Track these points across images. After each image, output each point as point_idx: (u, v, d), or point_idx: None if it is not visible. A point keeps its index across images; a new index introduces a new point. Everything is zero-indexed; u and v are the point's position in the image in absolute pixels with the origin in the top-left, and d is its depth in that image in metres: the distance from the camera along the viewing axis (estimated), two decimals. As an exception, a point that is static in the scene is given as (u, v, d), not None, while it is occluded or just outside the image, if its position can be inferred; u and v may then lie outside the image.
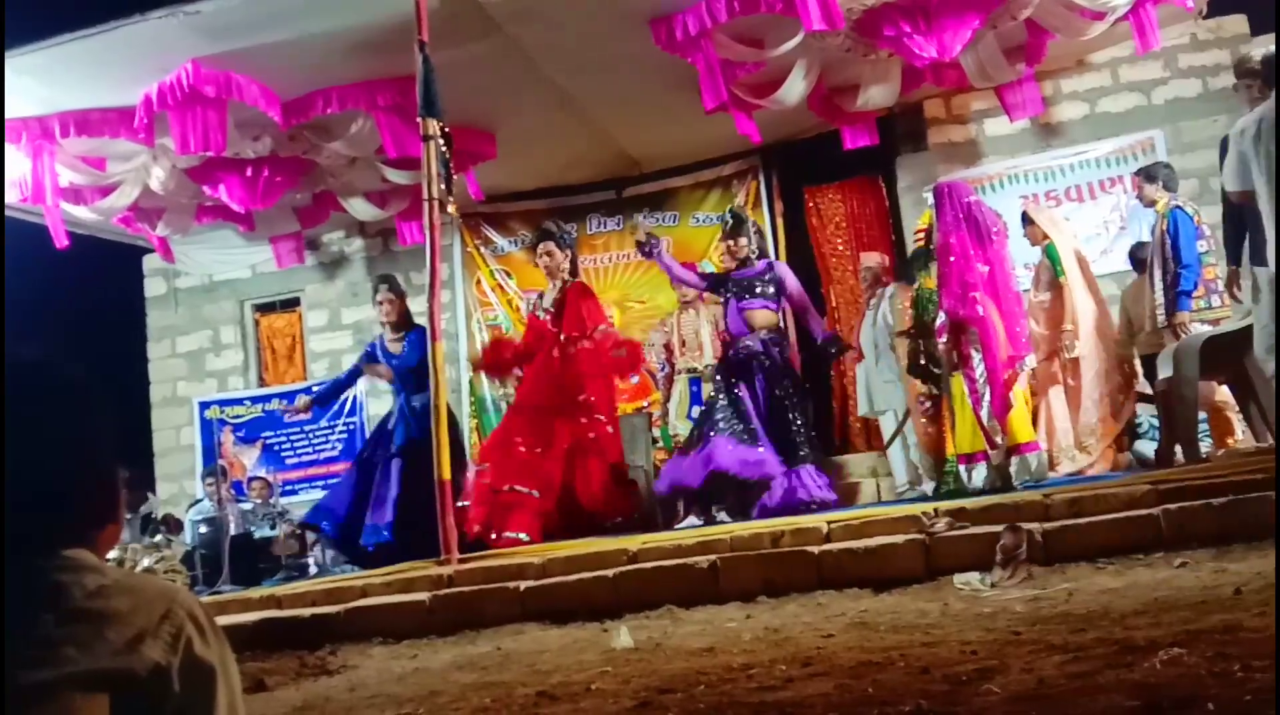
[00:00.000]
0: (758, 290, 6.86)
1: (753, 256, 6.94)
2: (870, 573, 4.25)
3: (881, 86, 8.09)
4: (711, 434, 6.33)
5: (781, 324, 7.18)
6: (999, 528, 4.20)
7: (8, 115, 7.33)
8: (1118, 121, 8.76)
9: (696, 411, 7.74)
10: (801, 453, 6.35)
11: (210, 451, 10.16)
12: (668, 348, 8.11)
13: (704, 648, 3.48)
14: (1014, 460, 5.82)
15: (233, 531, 8.26)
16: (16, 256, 8.52)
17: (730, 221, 7.06)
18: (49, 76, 7.00)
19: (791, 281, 6.95)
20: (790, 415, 6.47)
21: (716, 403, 6.54)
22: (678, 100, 8.09)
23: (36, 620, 1.06)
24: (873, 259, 8.07)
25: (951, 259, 5.87)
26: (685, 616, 4.22)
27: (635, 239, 7.38)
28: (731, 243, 6.94)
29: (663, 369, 8.38)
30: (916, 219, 7.59)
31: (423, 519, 5.69)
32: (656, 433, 8.24)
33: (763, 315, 6.82)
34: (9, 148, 7.53)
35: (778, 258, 9.73)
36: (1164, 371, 5.88)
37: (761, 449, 6.26)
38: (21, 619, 1.07)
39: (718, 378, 6.75)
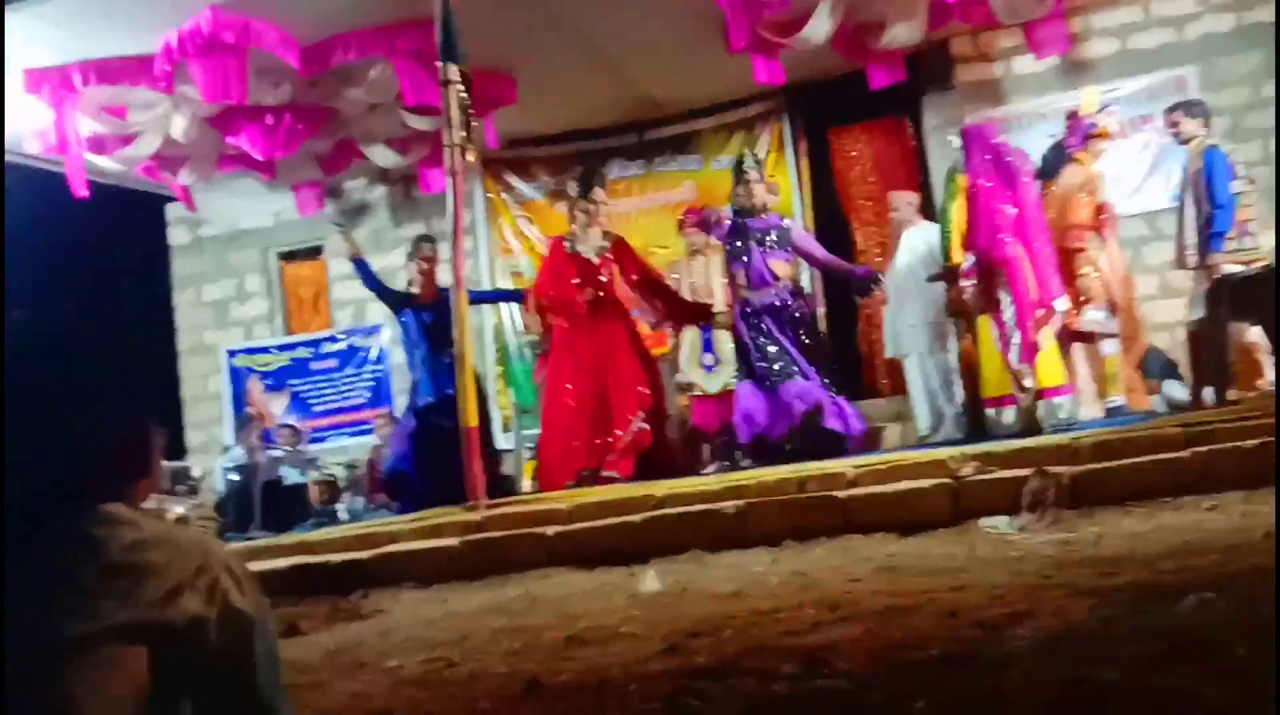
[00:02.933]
0: (775, 239, 6.90)
1: (768, 205, 7.01)
2: (897, 517, 4.25)
3: (907, 24, 7.93)
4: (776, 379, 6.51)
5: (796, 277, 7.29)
6: (1027, 472, 4.19)
7: (29, 65, 7.32)
8: (1149, 58, 8.56)
9: (709, 358, 7.73)
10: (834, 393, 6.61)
11: (239, 399, 10.25)
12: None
13: (731, 592, 3.51)
14: (1042, 404, 5.79)
15: (263, 479, 8.35)
16: (41, 207, 8.54)
17: (745, 167, 7.05)
18: (68, 25, 6.97)
19: (799, 235, 7.10)
20: (818, 365, 6.66)
21: (765, 348, 6.60)
22: (701, 41, 7.97)
23: (75, 574, 1.08)
24: (903, 198, 7.95)
25: (981, 201, 5.80)
26: (712, 561, 4.25)
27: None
28: (743, 189, 6.95)
29: None
30: (943, 160, 7.48)
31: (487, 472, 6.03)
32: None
33: (783, 266, 6.94)
34: (32, 99, 7.53)
35: (802, 202, 9.68)
36: (1195, 313, 5.81)
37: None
38: (60, 573, 1.08)
39: (756, 322, 6.75)
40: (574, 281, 6.90)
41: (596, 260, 6.94)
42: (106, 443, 1.16)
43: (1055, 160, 6.60)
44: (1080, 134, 6.45)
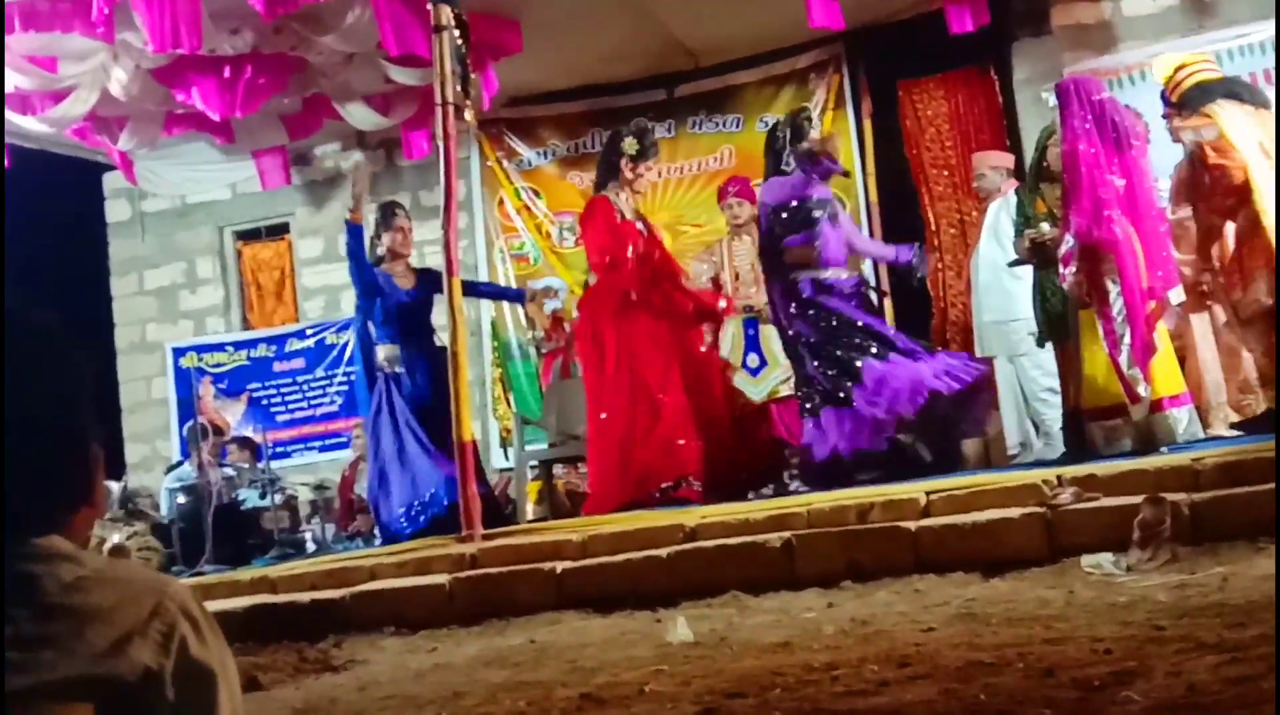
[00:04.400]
0: (834, 213, 6.92)
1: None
2: (979, 553, 4.25)
3: (995, -44, 7.92)
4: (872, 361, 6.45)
5: None
6: (1137, 499, 4.17)
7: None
8: (1290, -5, 8.51)
9: (754, 359, 7.72)
10: None
11: (187, 407, 10.33)
12: (715, 282, 8.01)
13: (778, 643, 3.51)
14: (1157, 416, 5.77)
15: (216, 501, 8.42)
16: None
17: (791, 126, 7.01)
18: (-12, -40, 7.05)
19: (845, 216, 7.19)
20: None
21: (857, 324, 6.60)
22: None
23: (5, 619, 1.09)
24: (989, 161, 7.86)
25: (1082, 171, 5.77)
26: (754, 605, 4.26)
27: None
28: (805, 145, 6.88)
29: None
30: (1035, 118, 7.44)
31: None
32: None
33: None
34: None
35: (864, 170, 9.68)
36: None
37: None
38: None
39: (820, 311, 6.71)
40: (630, 253, 6.91)
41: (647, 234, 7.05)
42: (39, 463, 1.17)
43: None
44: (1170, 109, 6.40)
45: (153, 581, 1.18)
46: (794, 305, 6.68)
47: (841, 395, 6.41)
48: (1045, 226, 6.16)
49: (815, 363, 6.56)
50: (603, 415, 6.79)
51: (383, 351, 7.14)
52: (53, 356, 1.23)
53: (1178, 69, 6.33)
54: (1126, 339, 5.73)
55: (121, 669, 1.10)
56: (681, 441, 6.62)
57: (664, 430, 6.64)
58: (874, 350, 6.47)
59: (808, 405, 6.59)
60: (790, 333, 6.76)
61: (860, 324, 6.60)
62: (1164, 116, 6.49)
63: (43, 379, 1.20)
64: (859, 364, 6.42)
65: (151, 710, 1.11)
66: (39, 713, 1.06)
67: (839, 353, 6.51)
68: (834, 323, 6.56)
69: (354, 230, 7.23)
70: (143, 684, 1.11)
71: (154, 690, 1.11)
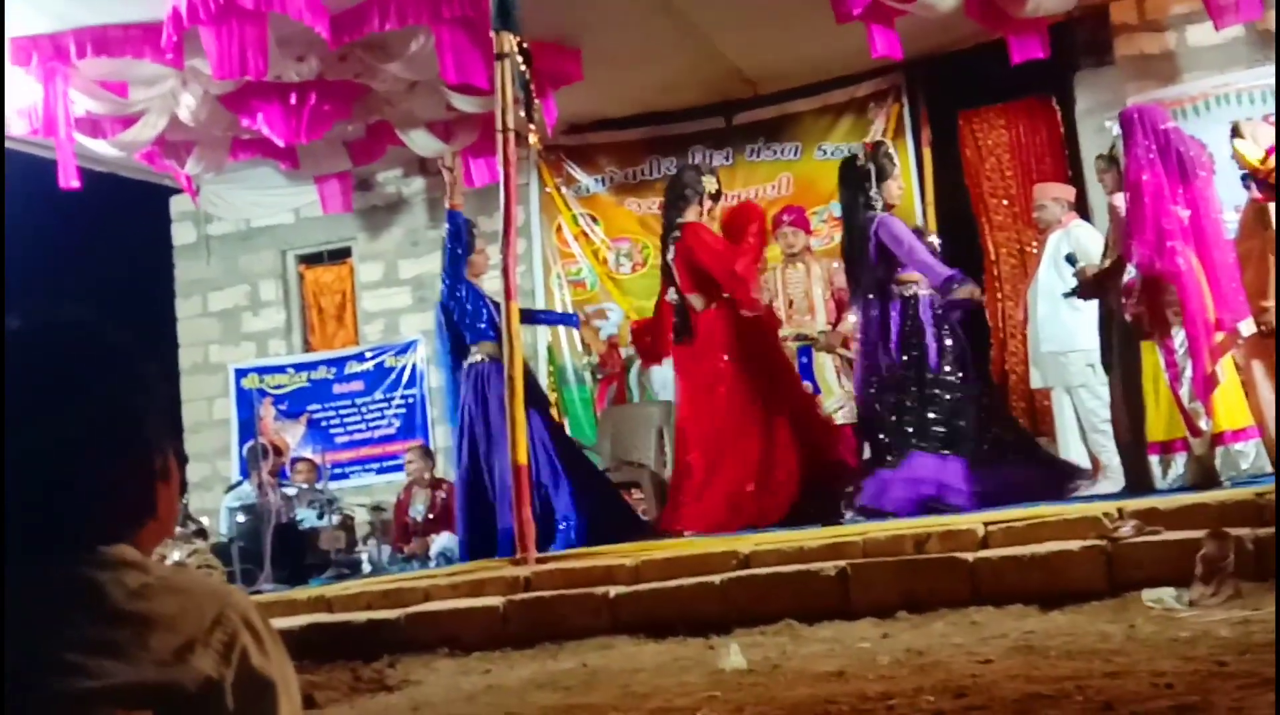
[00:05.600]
0: None
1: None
2: (1038, 586, 4.20)
3: (1057, -14, 7.88)
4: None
5: None
6: (1200, 534, 4.11)
7: (16, 34, 7.56)
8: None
9: (808, 387, 7.68)
10: None
11: (248, 427, 10.45)
12: (769, 308, 8.00)
13: (832, 672, 3.49)
14: (1219, 451, 5.68)
15: (274, 521, 8.50)
16: (23, 197, 8.79)
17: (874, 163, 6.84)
18: (64, -13, 7.21)
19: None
20: None
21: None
22: (803, 5, 7.98)
23: (70, 623, 1.11)
24: (1050, 192, 7.79)
25: (1145, 201, 5.71)
26: (808, 634, 4.23)
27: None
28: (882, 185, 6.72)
29: None
30: (1097, 149, 7.36)
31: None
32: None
33: None
34: (18, 72, 7.77)
35: (923, 199, 9.64)
36: None
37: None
38: (53, 622, 1.11)
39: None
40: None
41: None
42: (117, 474, 1.19)
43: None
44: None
45: (216, 591, 1.19)
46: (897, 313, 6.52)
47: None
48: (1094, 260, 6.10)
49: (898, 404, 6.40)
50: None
51: (485, 348, 7.05)
52: (117, 368, 1.24)
53: (1268, 155, 6.23)
54: (1188, 372, 5.66)
55: (183, 677, 1.11)
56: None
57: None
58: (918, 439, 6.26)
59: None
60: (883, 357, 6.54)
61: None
62: (1251, 198, 6.38)
63: (106, 390, 1.22)
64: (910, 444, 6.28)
65: (210, 719, 1.13)
66: (100, 718, 1.08)
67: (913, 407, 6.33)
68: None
69: (454, 217, 7.21)
70: (203, 693, 1.12)
71: (214, 699, 1.12)
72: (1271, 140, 6.69)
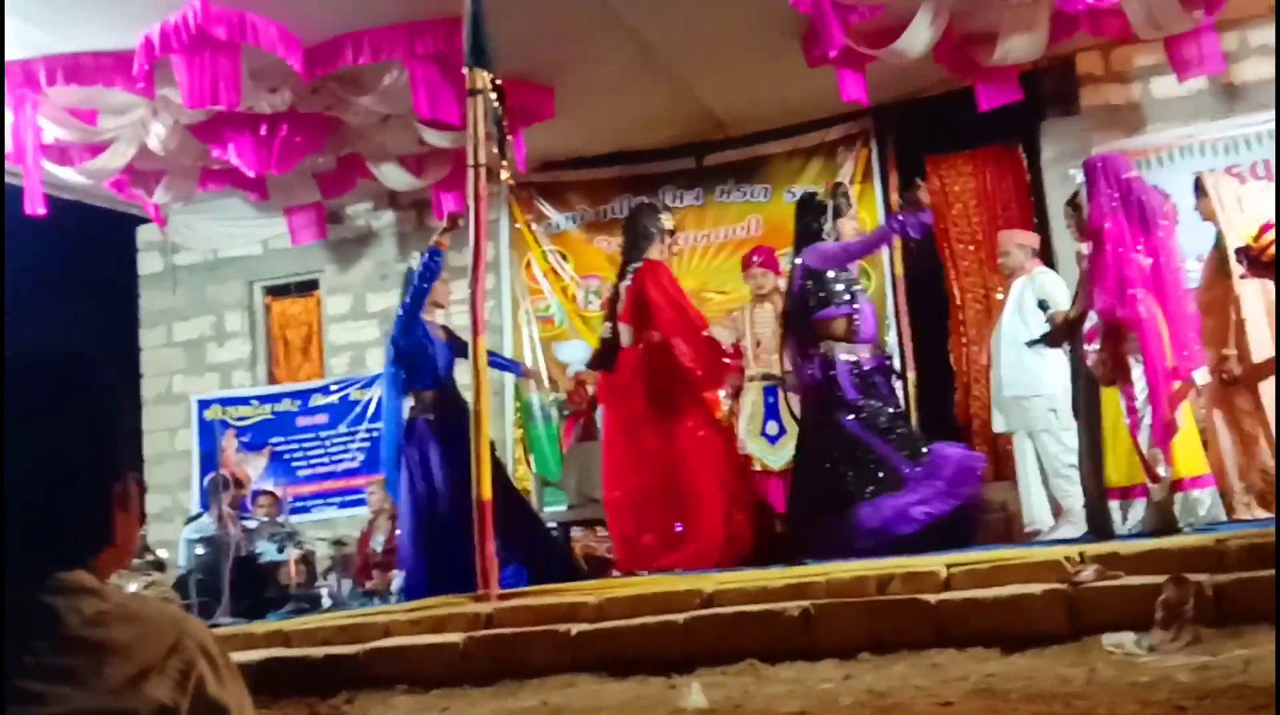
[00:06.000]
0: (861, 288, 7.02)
1: None
2: (999, 629, 4.19)
3: (1025, 35, 7.99)
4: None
5: None
6: (1161, 579, 4.13)
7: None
8: (1318, 82, 8.55)
9: (773, 427, 7.73)
10: None
11: (209, 459, 10.37)
12: (737, 348, 8.04)
13: (794, 712, 3.48)
14: (1178, 497, 5.72)
15: (234, 554, 8.43)
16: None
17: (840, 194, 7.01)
18: (36, 14, 7.18)
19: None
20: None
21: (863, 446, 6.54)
22: (774, 49, 8.07)
23: (27, 650, 1.10)
24: (1014, 240, 7.86)
25: (1107, 248, 5.78)
26: (771, 674, 4.21)
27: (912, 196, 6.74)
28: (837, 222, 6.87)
29: None
30: (1062, 197, 7.45)
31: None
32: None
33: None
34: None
35: (890, 241, 9.69)
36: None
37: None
38: (9, 648, 1.10)
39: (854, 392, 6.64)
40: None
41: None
42: (78, 499, 1.18)
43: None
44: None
45: (173, 619, 1.19)
46: (820, 375, 6.66)
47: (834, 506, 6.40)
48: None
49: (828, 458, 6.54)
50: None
51: (423, 399, 6.99)
52: (79, 394, 1.24)
53: (1261, 231, 6.32)
54: (1148, 418, 5.71)
55: (138, 705, 1.10)
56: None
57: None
58: (868, 488, 6.37)
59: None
60: (808, 402, 6.75)
61: (866, 448, 6.47)
62: (1245, 271, 6.47)
63: (68, 416, 1.21)
64: (854, 495, 6.37)
65: (167, 747, 1.12)
66: (54, 746, 1.07)
67: (844, 470, 6.45)
68: (852, 424, 6.52)
69: (435, 254, 7.07)
70: None
71: (170, 726, 1.12)
72: (1238, 196, 6.81)
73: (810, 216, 6.90)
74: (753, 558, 6.61)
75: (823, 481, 6.52)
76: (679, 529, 6.74)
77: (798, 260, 6.83)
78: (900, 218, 6.65)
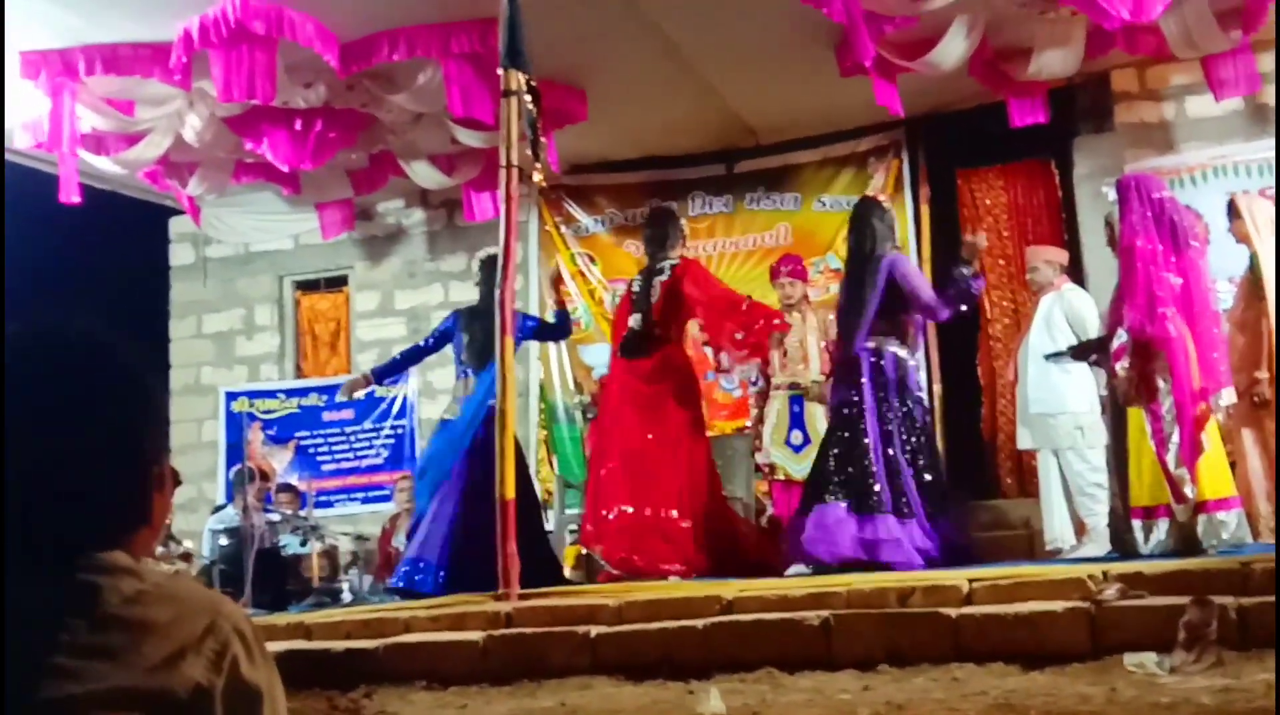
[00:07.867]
0: None
1: None
2: (1020, 645, 4.18)
3: (1060, 51, 7.96)
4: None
5: None
6: (1184, 600, 4.10)
7: (28, 47, 7.61)
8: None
9: (797, 437, 7.70)
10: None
11: (235, 451, 10.43)
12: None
13: (811, 721, 3.47)
14: (1202, 518, 5.69)
15: (257, 546, 8.46)
16: (23, 210, 8.81)
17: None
18: (76, 4, 7.25)
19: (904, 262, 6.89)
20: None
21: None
22: (807, 57, 8.07)
23: (62, 626, 1.11)
24: (1043, 256, 7.81)
25: (1138, 266, 5.75)
26: (789, 682, 4.21)
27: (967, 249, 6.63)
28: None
29: (755, 383, 8.32)
30: (1094, 214, 7.42)
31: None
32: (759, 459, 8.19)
33: None
34: (25, 86, 7.81)
35: (919, 256, 9.67)
36: None
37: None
38: (45, 624, 1.11)
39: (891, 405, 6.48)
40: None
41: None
42: (108, 481, 1.20)
43: None
44: None
45: (209, 600, 1.20)
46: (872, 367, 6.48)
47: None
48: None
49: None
50: None
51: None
52: (121, 376, 1.25)
53: None
54: (1174, 438, 5.68)
55: (173, 683, 1.11)
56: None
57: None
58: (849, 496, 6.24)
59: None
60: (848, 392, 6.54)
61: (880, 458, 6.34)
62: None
63: (110, 398, 1.23)
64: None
65: (197, 727, 1.13)
66: (88, 723, 1.08)
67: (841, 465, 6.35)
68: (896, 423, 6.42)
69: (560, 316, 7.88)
70: (193, 700, 1.12)
71: (203, 706, 1.13)
72: (1271, 219, 6.73)
73: (872, 215, 6.73)
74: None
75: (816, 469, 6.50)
76: (632, 511, 6.68)
77: (887, 257, 6.54)
78: (956, 289, 6.49)
